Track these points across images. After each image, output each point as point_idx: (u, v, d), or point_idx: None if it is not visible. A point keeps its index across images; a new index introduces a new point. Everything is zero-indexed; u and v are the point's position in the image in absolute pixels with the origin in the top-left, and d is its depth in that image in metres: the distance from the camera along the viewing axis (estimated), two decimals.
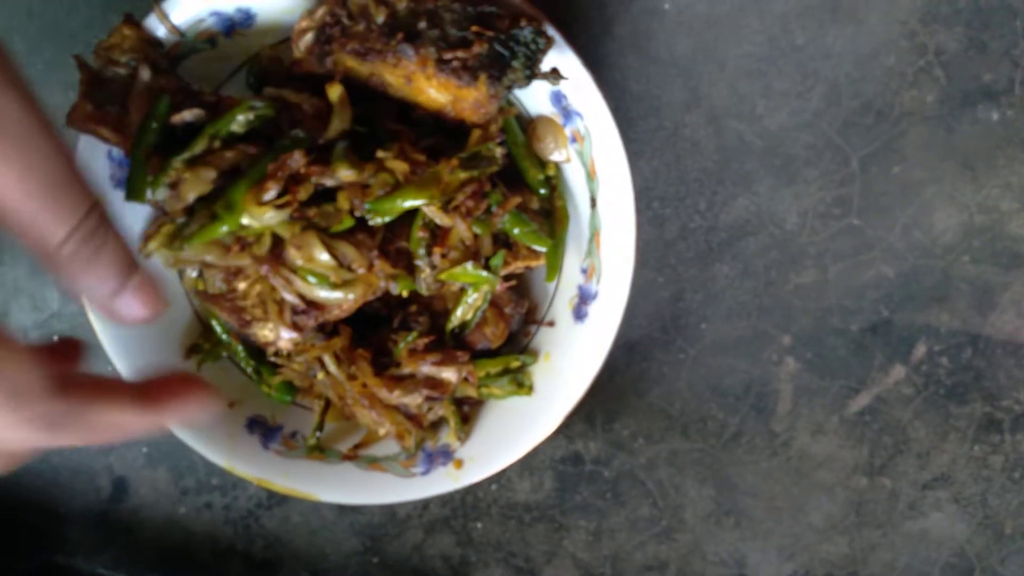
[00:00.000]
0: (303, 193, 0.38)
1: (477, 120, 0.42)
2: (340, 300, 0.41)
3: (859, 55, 0.50)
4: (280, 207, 0.38)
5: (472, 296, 0.45)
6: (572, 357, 0.47)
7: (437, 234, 0.43)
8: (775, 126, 0.51)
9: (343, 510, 0.57)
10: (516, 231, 0.44)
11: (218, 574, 0.58)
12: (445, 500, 0.56)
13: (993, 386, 0.53)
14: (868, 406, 0.54)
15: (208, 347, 0.48)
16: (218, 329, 0.48)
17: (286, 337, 0.42)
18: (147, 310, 0.32)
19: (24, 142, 0.27)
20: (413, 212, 0.42)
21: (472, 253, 0.43)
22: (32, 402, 0.28)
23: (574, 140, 0.45)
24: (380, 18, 0.40)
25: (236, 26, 0.43)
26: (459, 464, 0.48)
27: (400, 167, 0.40)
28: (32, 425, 0.28)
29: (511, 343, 0.49)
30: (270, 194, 0.38)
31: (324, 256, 0.40)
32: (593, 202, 0.46)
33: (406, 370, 0.46)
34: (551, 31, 0.41)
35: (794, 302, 0.53)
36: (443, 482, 0.47)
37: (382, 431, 0.48)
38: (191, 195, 0.38)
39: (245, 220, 0.38)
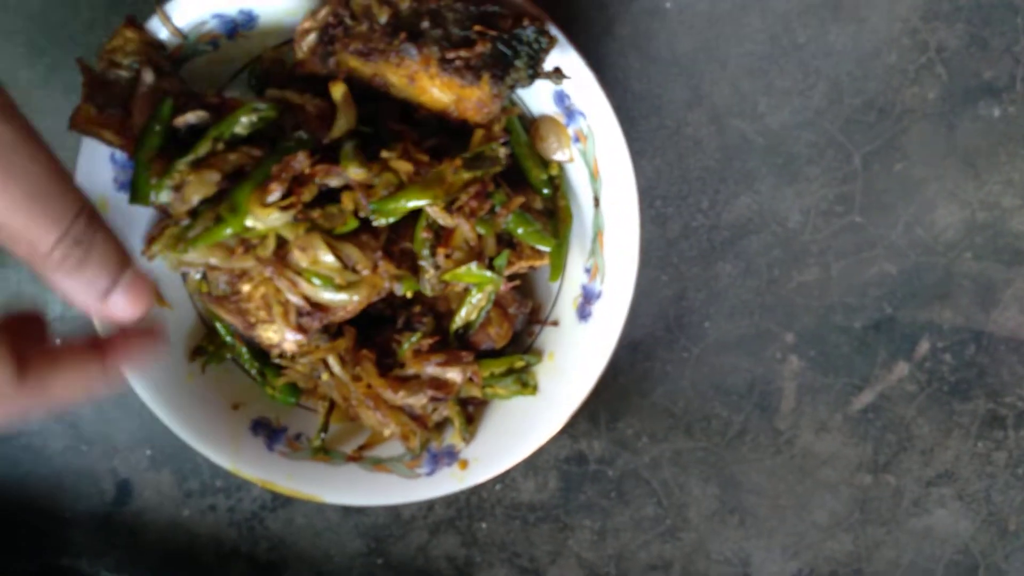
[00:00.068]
0: (307, 194, 0.38)
1: (480, 120, 0.42)
2: (345, 301, 0.41)
3: (861, 53, 0.50)
4: (284, 209, 0.38)
5: (476, 296, 0.45)
6: (576, 357, 0.47)
7: (441, 235, 0.43)
8: (777, 124, 0.51)
9: (347, 511, 0.57)
10: (520, 231, 0.44)
11: None
12: (450, 501, 0.56)
13: (996, 382, 0.53)
14: (872, 403, 0.54)
15: (212, 349, 0.48)
16: (222, 331, 0.48)
17: (291, 339, 0.41)
18: (137, 307, 0.32)
19: (6, 153, 0.27)
20: (417, 213, 0.42)
21: (476, 253, 0.43)
22: None
23: (577, 140, 0.45)
24: (383, 18, 0.40)
25: (238, 28, 0.43)
26: (464, 464, 0.48)
27: (404, 167, 0.40)
28: None
29: (515, 343, 0.49)
30: (274, 196, 0.38)
31: (328, 258, 0.40)
32: (596, 201, 0.46)
33: (410, 371, 0.46)
34: (554, 30, 0.41)
35: (797, 300, 0.53)
36: (448, 483, 0.47)
37: (387, 432, 0.48)
38: (195, 197, 0.38)
39: (249, 222, 0.38)
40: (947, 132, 0.51)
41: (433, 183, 0.41)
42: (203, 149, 0.38)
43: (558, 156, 0.46)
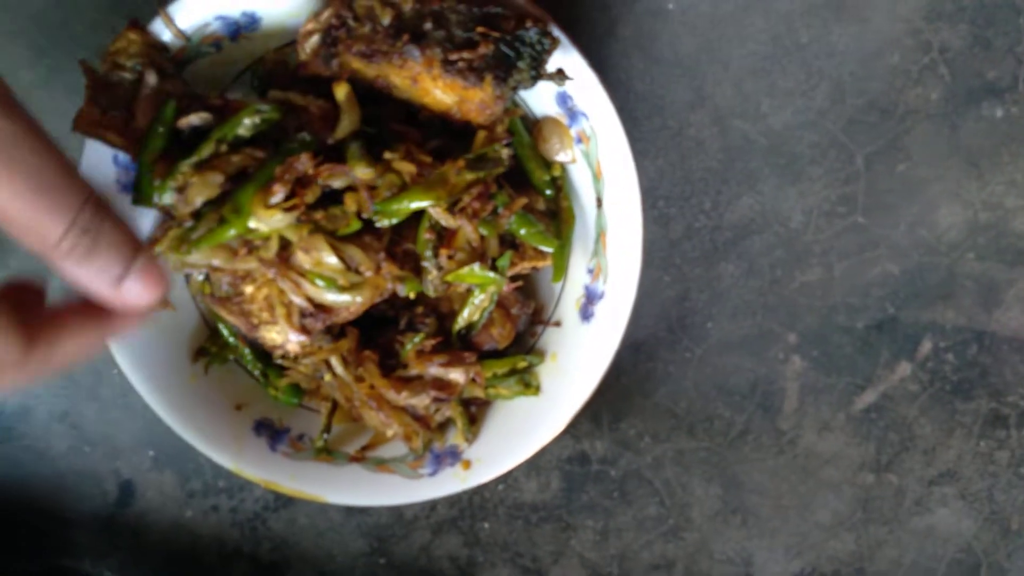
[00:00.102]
0: (310, 196, 0.38)
1: (483, 121, 0.42)
2: (348, 303, 0.41)
3: (863, 53, 0.50)
4: (288, 210, 0.38)
5: (479, 297, 0.46)
6: (579, 357, 0.47)
7: (444, 236, 0.43)
8: (780, 125, 0.51)
9: (350, 512, 0.57)
10: (522, 232, 0.44)
11: None
12: (452, 501, 0.56)
13: (999, 382, 0.53)
14: (874, 403, 0.54)
15: (215, 350, 0.48)
16: (225, 332, 0.48)
17: (294, 340, 0.42)
18: (151, 293, 0.32)
19: (8, 148, 0.28)
20: (419, 214, 0.42)
21: (479, 254, 0.43)
22: (2, 370, 0.30)
23: (580, 141, 0.45)
24: (386, 20, 0.40)
25: (241, 30, 0.43)
26: (467, 465, 0.48)
27: (407, 168, 0.40)
28: (4, 389, 0.30)
29: (518, 344, 0.49)
30: (277, 197, 0.38)
31: (332, 259, 0.40)
32: (599, 202, 0.46)
33: (413, 371, 0.46)
34: (556, 32, 0.41)
35: (800, 300, 0.53)
36: (451, 483, 0.47)
37: (389, 432, 0.48)
38: (198, 199, 0.38)
39: (252, 223, 0.38)
40: (950, 132, 0.51)
41: (436, 184, 0.41)
42: (206, 151, 0.38)
43: (561, 157, 0.46)
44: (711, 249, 0.53)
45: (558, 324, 0.49)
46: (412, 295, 0.43)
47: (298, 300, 0.41)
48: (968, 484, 0.54)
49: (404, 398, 0.46)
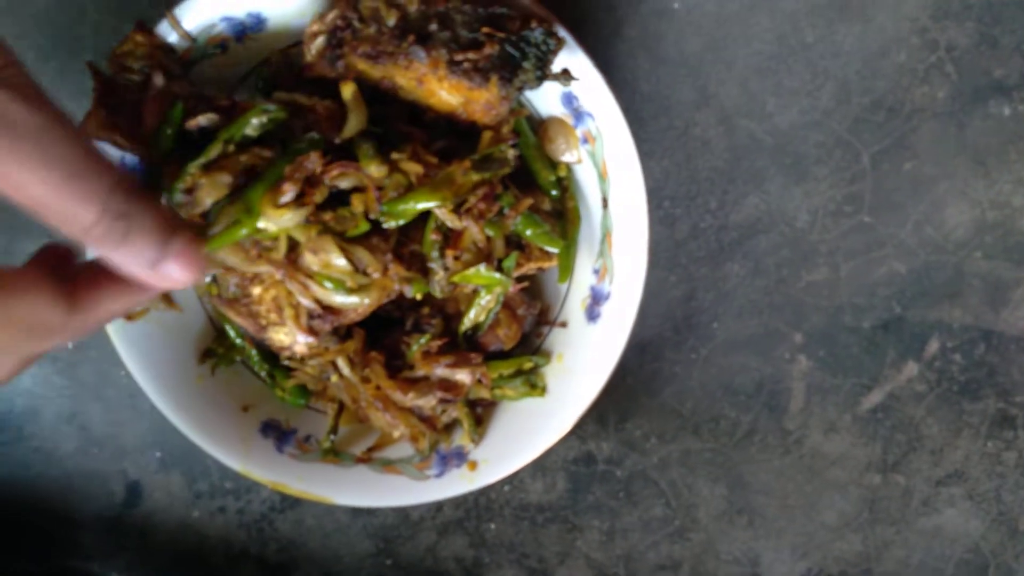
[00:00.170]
0: (319, 195, 0.38)
1: (489, 122, 0.42)
2: (355, 304, 0.41)
3: (869, 52, 0.50)
4: (298, 208, 0.38)
5: (485, 298, 0.46)
6: (585, 358, 0.47)
7: (450, 237, 0.43)
8: (785, 124, 0.51)
9: (356, 513, 0.57)
10: (528, 232, 0.44)
11: None
12: (458, 502, 0.56)
13: (1006, 382, 0.53)
14: (881, 403, 0.54)
15: (222, 351, 0.48)
16: (232, 334, 0.48)
17: (302, 341, 0.42)
18: (189, 273, 0.32)
19: (37, 139, 0.28)
20: (425, 215, 0.42)
21: (485, 255, 0.43)
22: (50, 335, 0.31)
23: (585, 141, 0.45)
24: (391, 21, 0.40)
25: (247, 31, 0.43)
26: (473, 466, 0.48)
27: (413, 169, 0.40)
28: (48, 349, 0.32)
29: (524, 344, 0.49)
30: (287, 196, 0.38)
31: (340, 261, 0.40)
32: (605, 203, 0.46)
33: (420, 372, 0.46)
34: (562, 32, 0.41)
35: (806, 300, 0.53)
36: (457, 484, 0.47)
37: (396, 433, 0.48)
38: (208, 200, 0.38)
39: (262, 223, 0.38)
40: (957, 131, 0.51)
41: (442, 185, 0.41)
42: (214, 152, 0.38)
43: (566, 157, 0.46)
44: (717, 249, 0.52)
45: (564, 325, 0.49)
46: (419, 296, 0.43)
47: (306, 302, 0.41)
48: (976, 484, 0.54)
49: (410, 399, 0.46)
